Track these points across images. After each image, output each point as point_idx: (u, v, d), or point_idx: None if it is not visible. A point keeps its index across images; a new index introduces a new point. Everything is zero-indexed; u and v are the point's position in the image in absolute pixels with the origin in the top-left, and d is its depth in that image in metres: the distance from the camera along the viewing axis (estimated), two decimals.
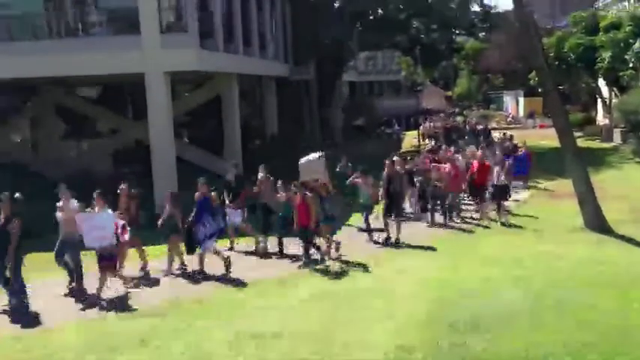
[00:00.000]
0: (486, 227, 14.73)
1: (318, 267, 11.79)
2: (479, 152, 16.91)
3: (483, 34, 44.51)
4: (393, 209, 13.69)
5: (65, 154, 25.55)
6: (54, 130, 25.78)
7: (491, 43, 46.98)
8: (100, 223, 10.35)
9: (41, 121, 25.66)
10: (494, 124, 41.94)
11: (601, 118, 35.84)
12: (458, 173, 15.68)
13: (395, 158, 15.91)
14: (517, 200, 17.70)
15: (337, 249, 12.39)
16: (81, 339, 8.74)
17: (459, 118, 41.29)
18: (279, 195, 12.77)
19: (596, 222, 13.72)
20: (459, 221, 15.37)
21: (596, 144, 30.50)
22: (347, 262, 11.96)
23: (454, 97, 61.21)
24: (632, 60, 27.09)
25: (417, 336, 8.21)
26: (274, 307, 9.68)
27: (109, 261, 10.41)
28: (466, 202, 17.07)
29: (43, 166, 23.41)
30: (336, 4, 34.85)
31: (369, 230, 13.77)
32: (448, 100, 60.20)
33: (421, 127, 36.34)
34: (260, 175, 13.72)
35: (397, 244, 13.33)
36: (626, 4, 33.12)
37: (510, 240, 13.41)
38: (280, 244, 12.87)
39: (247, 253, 13.23)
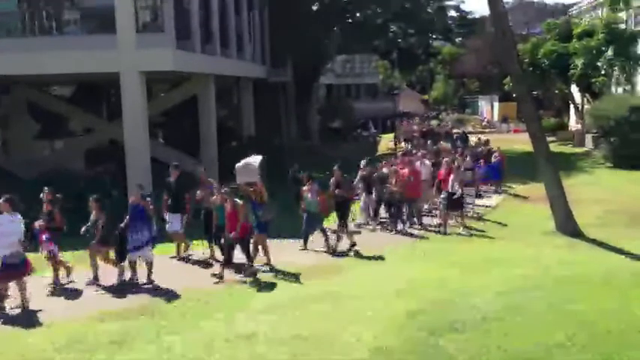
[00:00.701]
0: (457, 234, 14.30)
1: (260, 277, 11.23)
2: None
3: (460, 39, 45.00)
4: (342, 216, 13.31)
5: (37, 154, 25.20)
6: (26, 128, 25.40)
7: (468, 48, 47.52)
8: (5, 230, 9.51)
9: (13, 120, 25.28)
10: (469, 128, 42.37)
11: (573, 124, 36.38)
12: (418, 179, 15.08)
13: (362, 163, 15.56)
14: (489, 205, 17.84)
15: (268, 260, 11.81)
16: (52, 341, 8.58)
17: (434, 122, 41.64)
18: (213, 197, 12.05)
19: (568, 226, 13.90)
20: (432, 227, 14.87)
21: (568, 149, 30.92)
22: (294, 274, 11.35)
23: (430, 101, 61.68)
24: (604, 67, 27.61)
25: (393, 339, 8.22)
26: (241, 311, 9.48)
27: (15, 269, 9.65)
28: (432, 207, 16.56)
29: (15, 165, 23.08)
30: (315, 8, 34.93)
31: (325, 237, 12.97)
32: (425, 104, 60.70)
33: (397, 130, 36.57)
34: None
35: (351, 250, 12.83)
36: (600, 12, 33.65)
37: (480, 244, 13.44)
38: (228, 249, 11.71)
39: (194, 261, 12.73)
